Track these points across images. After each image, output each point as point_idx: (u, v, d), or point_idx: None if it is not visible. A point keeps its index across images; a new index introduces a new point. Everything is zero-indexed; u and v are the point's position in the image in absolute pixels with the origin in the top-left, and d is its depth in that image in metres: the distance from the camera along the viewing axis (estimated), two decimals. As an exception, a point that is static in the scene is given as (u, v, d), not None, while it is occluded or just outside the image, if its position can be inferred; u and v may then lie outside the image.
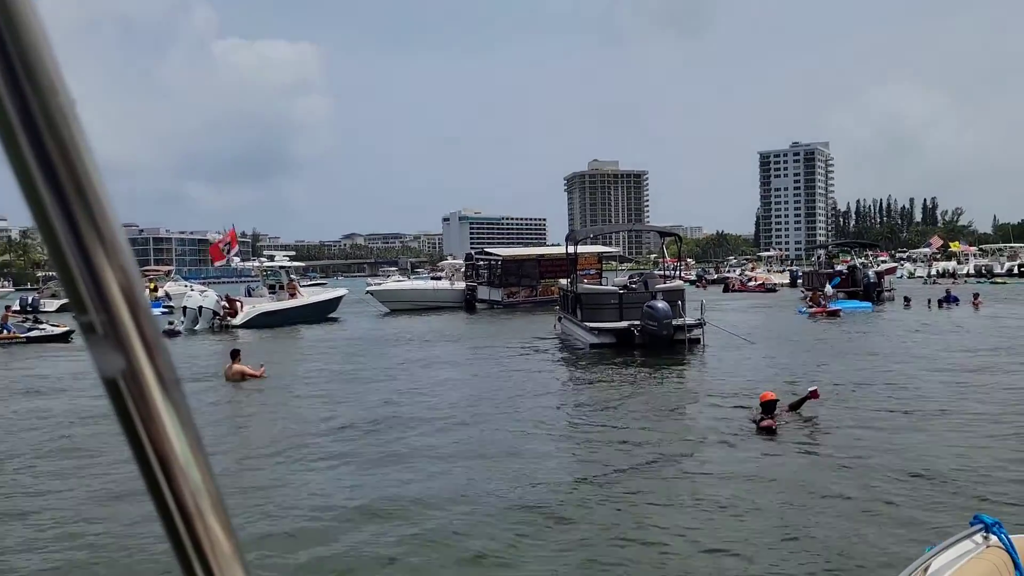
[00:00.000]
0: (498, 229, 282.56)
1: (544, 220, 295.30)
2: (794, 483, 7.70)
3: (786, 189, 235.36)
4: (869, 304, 32.11)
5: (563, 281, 26.66)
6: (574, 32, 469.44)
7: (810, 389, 10.47)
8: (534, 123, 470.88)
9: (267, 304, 32.50)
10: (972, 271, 63.17)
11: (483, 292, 42.25)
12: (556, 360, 18.90)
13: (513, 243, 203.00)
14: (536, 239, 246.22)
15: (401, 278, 66.34)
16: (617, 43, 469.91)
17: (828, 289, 32.09)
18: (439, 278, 53.55)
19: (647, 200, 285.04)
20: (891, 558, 5.46)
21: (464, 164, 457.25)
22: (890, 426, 10.09)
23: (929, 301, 31.83)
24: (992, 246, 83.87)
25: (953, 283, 50.28)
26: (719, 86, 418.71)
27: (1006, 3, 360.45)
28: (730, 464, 8.45)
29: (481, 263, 46.08)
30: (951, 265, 67.98)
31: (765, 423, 9.78)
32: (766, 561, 5.79)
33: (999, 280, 54.59)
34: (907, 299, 33.00)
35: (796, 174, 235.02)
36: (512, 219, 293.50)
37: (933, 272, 63.71)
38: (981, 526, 2.91)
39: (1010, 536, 2.86)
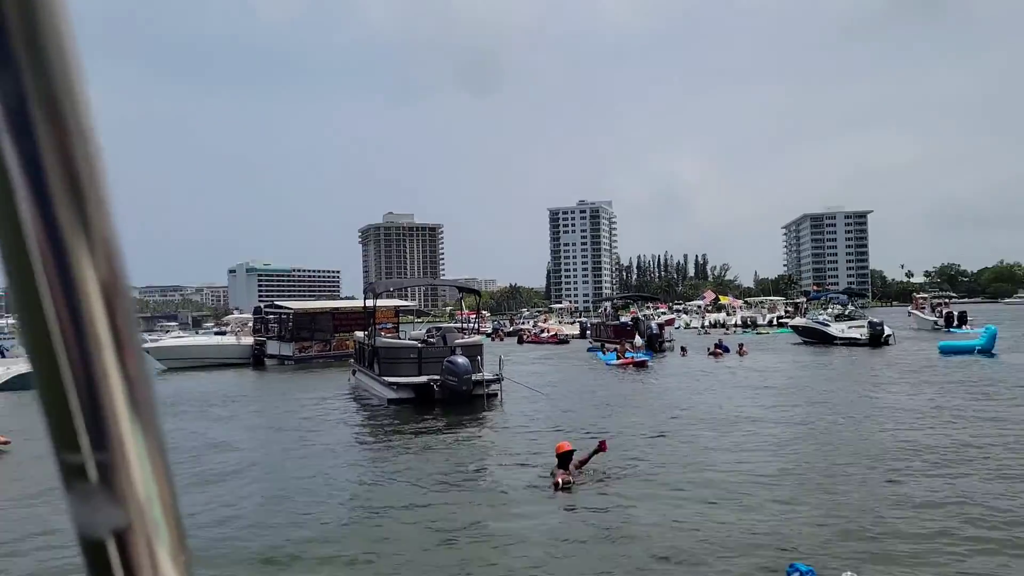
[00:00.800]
0: (289, 281, 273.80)
1: (338, 272, 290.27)
2: (588, 544, 7.40)
3: (574, 244, 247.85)
4: (649, 353, 33.88)
5: (359, 333, 25.61)
6: (371, 88, 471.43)
7: (600, 441, 10.40)
8: (329, 174, 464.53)
9: (24, 365, 28.74)
10: (739, 322, 69.01)
11: (273, 347, 40.25)
12: (352, 418, 17.89)
13: (305, 296, 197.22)
14: (330, 291, 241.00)
15: (182, 333, 61.74)
16: (414, 101, 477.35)
17: (637, 340, 32.50)
18: (224, 333, 50.58)
19: (442, 253, 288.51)
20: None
21: (251, 214, 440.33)
22: (677, 476, 10.19)
23: (707, 350, 34.22)
24: (755, 299, 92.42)
25: (725, 333, 54.84)
26: (512, 146, 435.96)
27: (750, 88, 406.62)
28: (526, 527, 8.04)
29: (271, 316, 44.01)
30: (721, 316, 74.08)
31: (559, 478, 9.68)
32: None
33: (762, 331, 59.89)
34: (683, 348, 35.26)
35: (583, 230, 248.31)
36: (304, 271, 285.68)
37: (706, 323, 68.95)
38: (797, 574, 2.99)
39: None
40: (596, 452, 10.23)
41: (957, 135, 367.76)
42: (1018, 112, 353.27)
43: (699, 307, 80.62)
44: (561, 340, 53.62)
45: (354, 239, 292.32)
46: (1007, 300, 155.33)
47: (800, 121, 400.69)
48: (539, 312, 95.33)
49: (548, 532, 7.88)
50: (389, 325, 35.86)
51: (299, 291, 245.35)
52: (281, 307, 42.64)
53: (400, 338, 23.95)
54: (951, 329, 46.16)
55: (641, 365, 28.08)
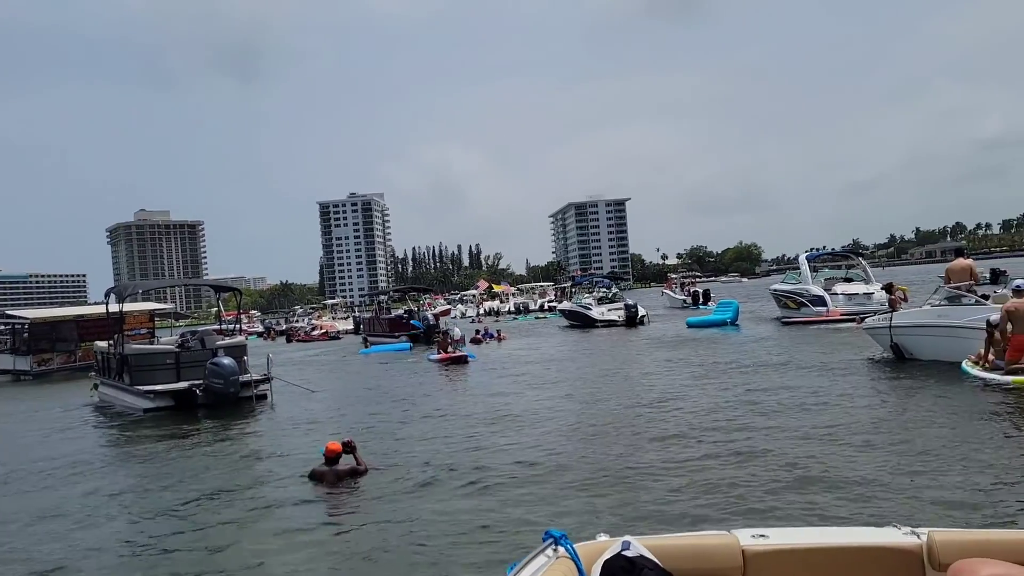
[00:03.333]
0: (24, 289, 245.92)
1: (84, 276, 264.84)
2: (363, 541, 7.24)
3: (347, 238, 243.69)
4: (408, 345, 34.64)
5: (100, 343, 23.34)
6: (118, 72, 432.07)
7: (344, 440, 10.14)
8: (70, 169, 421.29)
9: None
10: (512, 308, 71.37)
11: (5, 361, 36.05)
12: (100, 434, 16.27)
13: (46, 304, 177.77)
14: (75, 298, 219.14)
15: None
16: (168, 87, 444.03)
17: (455, 332, 27.83)
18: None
19: (204, 251, 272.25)
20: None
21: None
22: (434, 459, 10.28)
23: (470, 338, 35.12)
24: (527, 285, 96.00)
25: (496, 320, 56.48)
26: (279, 137, 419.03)
27: (519, 80, 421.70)
28: (289, 532, 7.70)
29: (2, 328, 39.31)
30: (496, 304, 76.19)
31: (326, 475, 9.55)
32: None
33: (540, 316, 61.93)
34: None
35: (355, 223, 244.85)
36: (43, 277, 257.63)
37: (481, 311, 70.61)
38: (551, 540, 3.17)
39: (574, 545, 3.16)
40: (350, 452, 9.96)
41: (703, 128, 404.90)
42: (752, 108, 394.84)
43: (474, 296, 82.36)
44: (333, 336, 52.58)
45: (102, 240, 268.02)
46: (746, 279, 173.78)
47: (566, 113, 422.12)
48: (313, 309, 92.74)
49: (312, 537, 7.58)
50: (144, 331, 33.16)
51: (39, 299, 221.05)
52: (14, 317, 38.13)
53: (154, 344, 22.12)
54: (698, 306, 50.61)
55: (460, 360, 24.82)
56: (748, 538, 3.35)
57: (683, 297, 56.51)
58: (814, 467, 8.38)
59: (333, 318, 69.08)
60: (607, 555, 3.06)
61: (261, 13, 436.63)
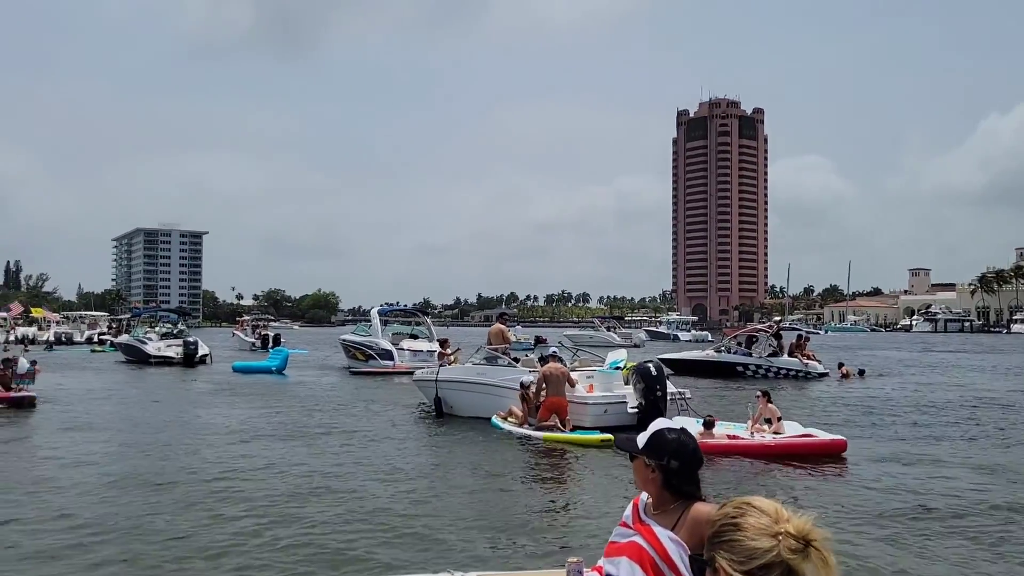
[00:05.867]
0: None
1: None
2: None
3: None
4: None
5: None
6: None
7: None
8: None
9: None
10: (52, 339, 62.85)
11: None
12: None
13: None
14: None
15: None
16: None
17: (22, 364, 19.80)
18: None
19: None
20: None
21: None
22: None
23: None
24: (76, 313, 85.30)
25: (28, 349, 48.94)
26: None
27: (70, 84, 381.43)
28: None
29: None
30: (32, 331, 66.69)
31: None
32: None
33: (96, 348, 54.26)
34: None
35: None
36: None
37: (11, 338, 60.92)
38: None
39: None
40: None
41: (285, 170, 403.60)
42: (338, 155, 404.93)
43: (4, 319, 70.78)
44: None
45: None
46: (325, 324, 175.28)
47: (145, 129, 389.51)
48: None
49: None
50: None
51: None
52: None
53: None
54: (267, 350, 49.61)
55: (21, 404, 18.36)
56: None
57: (253, 339, 55.22)
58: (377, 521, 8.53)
59: None
60: None
61: None
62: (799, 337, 31.61)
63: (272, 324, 73.28)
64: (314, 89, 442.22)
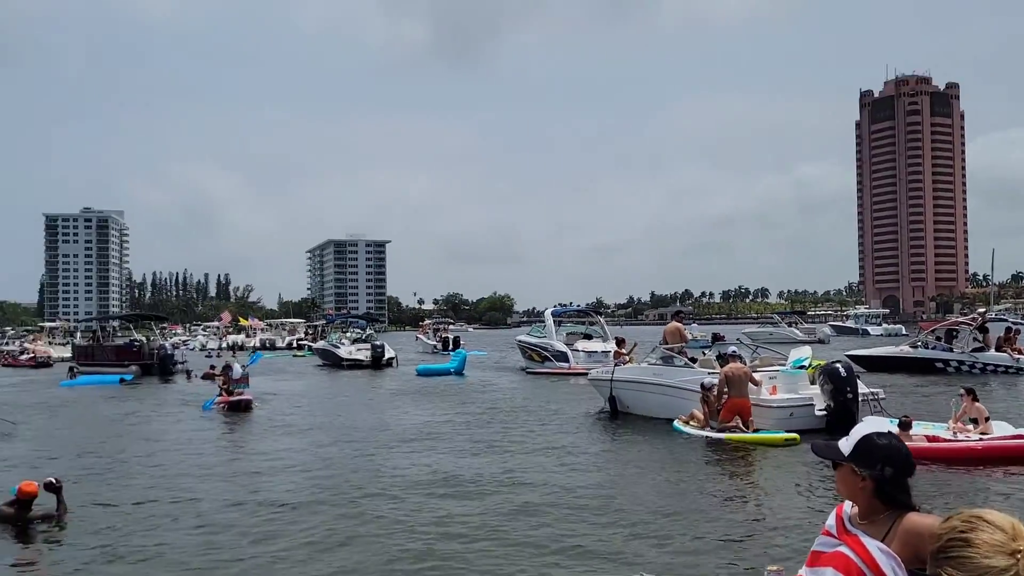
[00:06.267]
0: None
1: None
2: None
3: (76, 256, 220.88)
4: (117, 378, 31.59)
5: None
6: None
7: (47, 480, 9.08)
8: None
9: None
10: (258, 344, 68.41)
11: None
12: None
13: None
14: None
15: None
16: None
17: (236, 370, 21.09)
18: None
19: None
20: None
21: None
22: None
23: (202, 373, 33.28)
24: (277, 321, 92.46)
25: (240, 353, 53.66)
26: (5, 135, 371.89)
27: (284, 108, 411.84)
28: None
29: None
30: (240, 338, 72.77)
31: (10, 517, 8.64)
32: None
33: (298, 354, 59.05)
34: (189, 373, 34.04)
35: (88, 241, 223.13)
36: None
37: (223, 345, 66.94)
38: None
39: None
40: (54, 492, 8.92)
41: (465, 179, 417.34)
42: (515, 164, 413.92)
43: (217, 328, 77.99)
44: (41, 363, 47.30)
45: None
46: (501, 326, 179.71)
47: (335, 148, 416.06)
48: (27, 331, 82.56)
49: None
50: None
51: None
52: None
53: None
54: (448, 352, 51.51)
55: (239, 407, 19.69)
56: None
57: (435, 342, 57.46)
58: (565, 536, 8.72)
59: (50, 342, 61.87)
60: None
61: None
62: (1008, 330, 28.73)
63: (451, 327, 75.93)
64: (488, 98, 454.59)
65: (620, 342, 25.23)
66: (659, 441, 14.02)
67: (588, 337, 34.78)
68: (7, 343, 67.38)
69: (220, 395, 20.62)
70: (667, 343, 17.62)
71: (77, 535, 8.37)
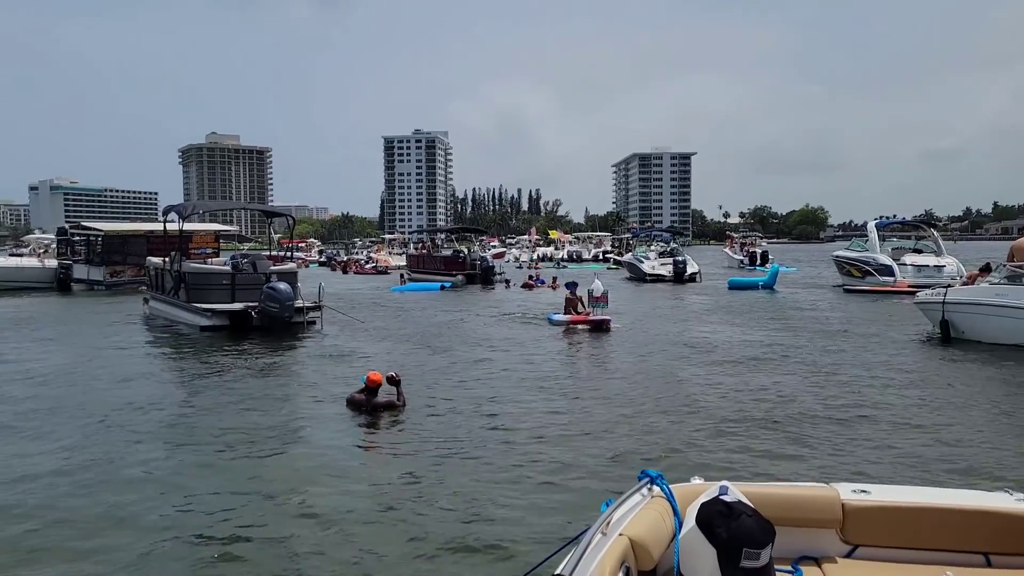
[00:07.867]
0: (100, 202, 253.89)
1: (156, 194, 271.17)
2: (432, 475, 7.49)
3: (409, 174, 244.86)
4: (438, 285, 35.10)
5: (155, 259, 24.16)
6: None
7: (388, 373, 10.21)
8: (145, 87, 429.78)
9: None
10: (566, 256, 71.34)
11: (81, 271, 37.43)
12: (166, 345, 16.96)
13: (118, 218, 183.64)
14: (146, 214, 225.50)
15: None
16: (245, 7, 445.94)
17: (596, 285, 19.17)
18: (21, 254, 46.58)
19: (271, 178, 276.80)
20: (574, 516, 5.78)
21: (56, 127, 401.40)
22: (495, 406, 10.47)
23: (521, 283, 35.94)
24: (583, 234, 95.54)
25: (546, 266, 56.55)
26: (350, 67, 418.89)
27: (591, 24, 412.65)
28: (326, 467, 7.99)
29: (78, 238, 40.79)
30: (550, 251, 76.32)
31: (362, 403, 9.83)
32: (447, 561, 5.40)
33: (590, 264, 61.72)
34: (507, 281, 36.97)
35: (419, 160, 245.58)
36: (116, 191, 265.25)
37: (534, 257, 70.77)
38: (647, 479, 3.23)
39: (670, 485, 3.23)
40: (393, 385, 10.08)
41: (773, 85, 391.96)
42: (830, 64, 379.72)
43: (528, 242, 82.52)
44: (381, 271, 53.46)
45: (174, 160, 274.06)
46: (813, 241, 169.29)
47: (640, 59, 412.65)
48: (372, 242, 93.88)
49: (346, 468, 7.84)
50: (210, 251, 34.08)
51: (111, 213, 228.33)
52: (90, 228, 39.47)
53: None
54: (755, 267, 49.80)
55: (600, 327, 18.30)
56: (849, 492, 3.35)
57: (741, 257, 55.73)
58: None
59: (389, 253, 69.86)
60: (703, 498, 2.95)
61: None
62: None
63: (760, 242, 73.03)
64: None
65: (986, 269, 18.68)
66: (1001, 372, 12.48)
67: (918, 252, 31.48)
68: (357, 252, 77.34)
69: (566, 311, 19.47)
70: (1015, 260, 15.41)
71: (412, 425, 9.46)
